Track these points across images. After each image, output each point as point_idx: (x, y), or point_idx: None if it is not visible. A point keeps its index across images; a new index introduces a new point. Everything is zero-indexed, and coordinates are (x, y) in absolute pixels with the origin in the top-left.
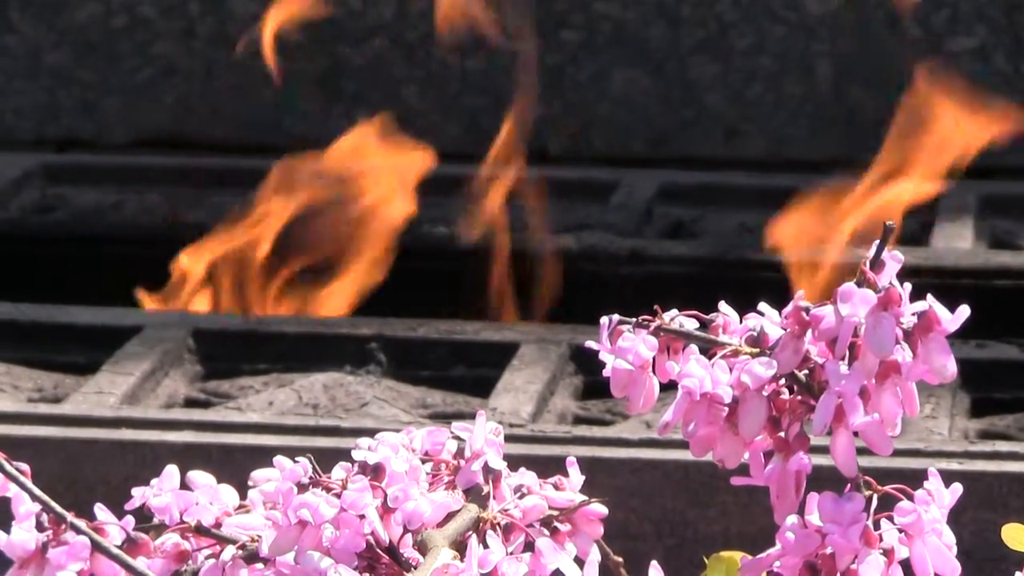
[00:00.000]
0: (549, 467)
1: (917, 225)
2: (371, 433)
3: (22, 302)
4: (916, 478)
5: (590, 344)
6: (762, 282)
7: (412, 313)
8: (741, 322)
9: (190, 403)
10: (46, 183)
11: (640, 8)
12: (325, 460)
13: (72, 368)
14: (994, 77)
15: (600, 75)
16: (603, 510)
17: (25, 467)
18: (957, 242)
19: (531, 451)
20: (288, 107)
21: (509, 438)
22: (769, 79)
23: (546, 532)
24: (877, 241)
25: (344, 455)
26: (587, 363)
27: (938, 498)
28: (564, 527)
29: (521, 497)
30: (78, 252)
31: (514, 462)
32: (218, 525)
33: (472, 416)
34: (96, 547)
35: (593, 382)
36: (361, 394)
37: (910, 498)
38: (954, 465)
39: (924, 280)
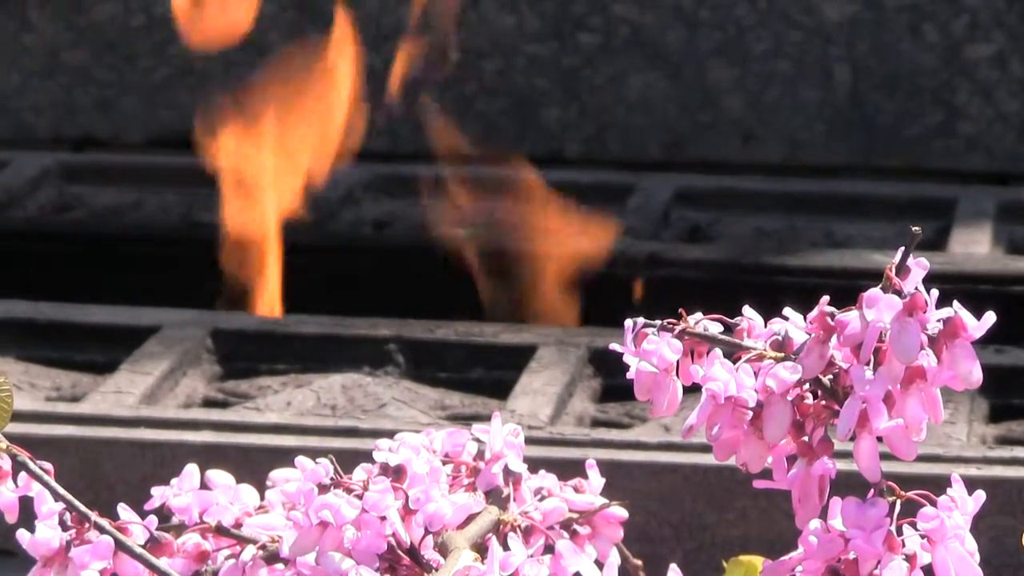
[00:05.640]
0: (567, 470)
1: (934, 231)
2: (390, 434)
3: (40, 301)
4: (935, 483)
5: (614, 347)
6: (779, 286)
7: (431, 315)
8: (765, 326)
9: (208, 403)
10: (64, 182)
11: (658, 11)
12: (344, 461)
13: (90, 367)
14: (1011, 84)
15: (617, 78)
16: (623, 513)
17: (48, 466)
18: (975, 248)
19: (549, 454)
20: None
21: (527, 440)
22: (786, 83)
23: (566, 535)
24: (902, 247)
25: (362, 456)
26: (605, 366)
27: (961, 505)
28: (584, 530)
29: (541, 499)
30: (96, 251)
31: (532, 464)
32: (238, 525)
33: (490, 418)
34: (120, 546)
35: (611, 385)
36: (379, 395)
37: (933, 504)
38: (972, 471)
39: (942, 286)
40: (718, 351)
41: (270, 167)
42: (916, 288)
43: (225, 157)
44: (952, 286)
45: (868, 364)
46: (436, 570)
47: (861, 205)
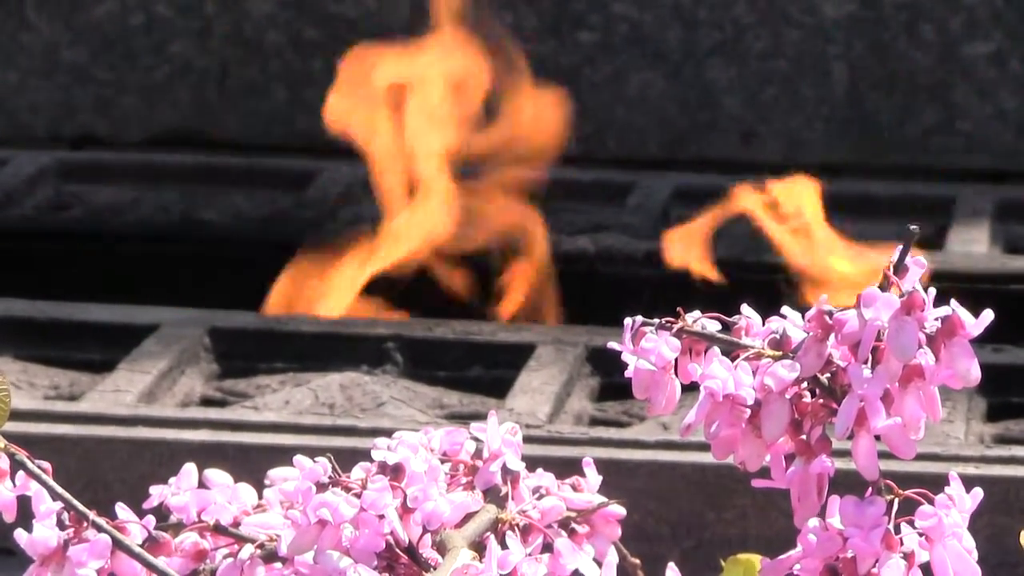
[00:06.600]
0: (566, 468)
1: (932, 229)
2: (388, 433)
3: (38, 299)
4: (933, 482)
5: (612, 345)
6: (778, 285)
7: (430, 313)
8: (763, 325)
9: (207, 402)
10: (62, 181)
11: (657, 10)
12: (342, 460)
13: (88, 366)
14: (1009, 82)
15: (616, 77)
16: (621, 511)
17: (46, 465)
18: (973, 247)
19: (548, 452)
20: (302, 106)
21: (526, 439)
22: (785, 82)
23: (564, 533)
24: (900, 246)
25: (361, 455)
26: (604, 364)
27: (959, 503)
28: (582, 528)
29: (539, 498)
30: (94, 250)
31: (530, 463)
32: (236, 524)
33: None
34: (118, 545)
35: (609, 383)
36: (378, 394)
37: (931, 502)
38: (970, 469)
39: (940, 284)
40: (716, 349)
41: None
42: (914, 287)
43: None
44: (950, 285)
45: (866, 363)
46: (434, 569)
47: (859, 203)
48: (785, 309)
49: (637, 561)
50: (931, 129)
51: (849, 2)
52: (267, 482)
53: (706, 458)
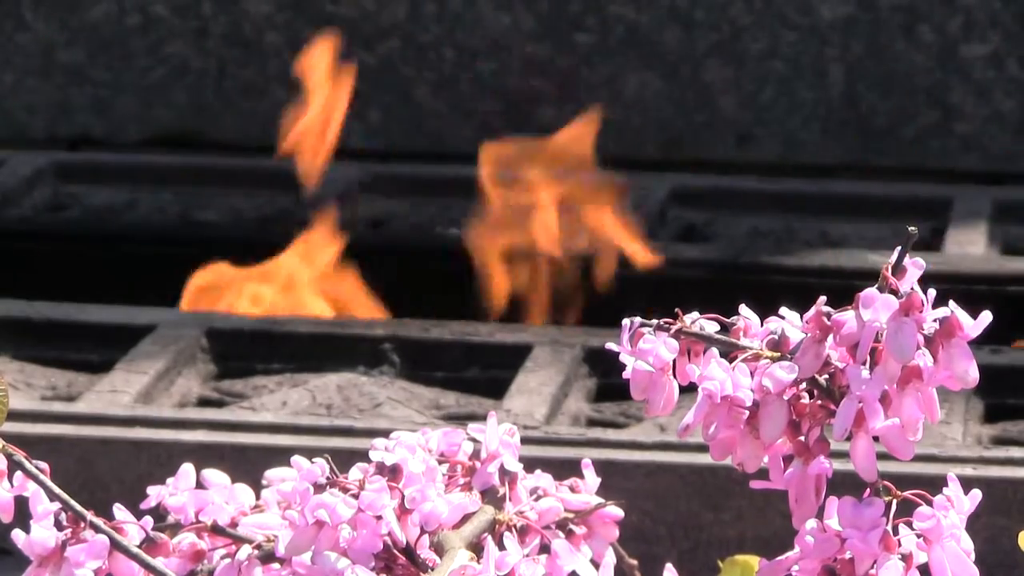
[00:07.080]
0: (563, 469)
1: (930, 231)
2: (385, 434)
3: (35, 300)
4: (930, 483)
5: (610, 346)
6: (775, 286)
7: (425, 315)
8: (761, 326)
9: (204, 402)
10: (59, 181)
11: (654, 11)
12: (338, 460)
13: (86, 366)
14: (1006, 83)
15: (613, 78)
16: (618, 512)
17: (44, 465)
18: (970, 248)
19: (545, 453)
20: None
21: (523, 440)
22: (782, 83)
23: (562, 534)
24: (899, 247)
25: (358, 456)
26: (601, 365)
27: (957, 504)
28: (580, 529)
29: (537, 499)
30: (91, 251)
31: (527, 464)
32: (234, 524)
33: (486, 417)
34: (115, 546)
35: (607, 384)
36: (375, 395)
37: (929, 504)
38: (968, 471)
39: (938, 286)
40: (714, 350)
41: None
42: (912, 288)
43: None
44: (947, 286)
45: (864, 364)
46: (432, 569)
47: (856, 205)
48: (783, 310)
49: (634, 562)
50: (928, 130)
51: (846, 3)
52: (264, 483)
53: (704, 459)
